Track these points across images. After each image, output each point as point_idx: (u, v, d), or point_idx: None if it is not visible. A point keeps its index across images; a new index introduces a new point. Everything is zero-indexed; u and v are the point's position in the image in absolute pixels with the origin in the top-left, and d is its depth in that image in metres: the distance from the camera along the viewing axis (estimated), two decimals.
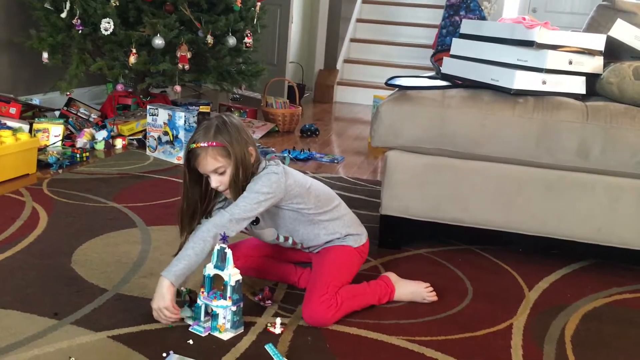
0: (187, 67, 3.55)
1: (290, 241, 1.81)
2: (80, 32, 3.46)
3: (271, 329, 1.62)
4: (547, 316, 1.81)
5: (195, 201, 1.72)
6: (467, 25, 2.38)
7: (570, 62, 2.08)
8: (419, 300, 1.84)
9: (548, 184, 2.08)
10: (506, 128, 2.05)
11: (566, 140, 2.02)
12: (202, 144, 1.61)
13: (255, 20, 4.02)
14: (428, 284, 1.86)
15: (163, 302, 1.56)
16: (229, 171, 1.63)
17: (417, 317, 1.76)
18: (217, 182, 1.65)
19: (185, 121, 3.20)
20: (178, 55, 3.52)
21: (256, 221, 1.74)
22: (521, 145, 2.05)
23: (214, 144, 1.61)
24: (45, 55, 3.58)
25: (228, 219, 1.61)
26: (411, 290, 1.84)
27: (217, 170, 1.63)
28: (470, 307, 1.85)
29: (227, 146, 1.61)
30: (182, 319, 1.61)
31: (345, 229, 1.81)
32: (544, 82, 2.06)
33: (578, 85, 2.11)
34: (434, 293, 1.85)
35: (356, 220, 1.88)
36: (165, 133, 3.27)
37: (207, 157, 1.61)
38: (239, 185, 1.64)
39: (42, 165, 2.95)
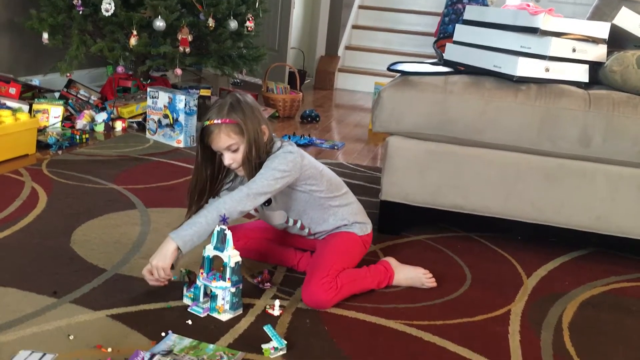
0: (187, 50, 3.53)
1: (298, 225, 1.82)
2: (80, 12, 3.44)
3: (270, 311, 1.62)
4: (545, 303, 1.82)
5: (205, 179, 1.74)
6: (471, 12, 2.36)
7: (574, 50, 2.06)
8: (417, 285, 1.84)
9: (548, 171, 2.08)
10: (508, 115, 2.05)
11: (568, 128, 2.01)
12: (215, 121, 1.63)
13: (257, 4, 3.99)
14: (427, 271, 1.86)
15: (163, 262, 1.57)
16: (242, 149, 1.65)
17: (415, 301, 1.76)
18: (230, 159, 1.66)
19: (185, 104, 3.18)
20: (179, 38, 3.50)
21: (268, 202, 1.75)
22: (522, 132, 2.05)
23: (228, 121, 1.63)
24: (45, 35, 3.55)
25: (246, 194, 1.62)
26: (410, 275, 1.84)
27: (230, 147, 1.65)
28: (468, 293, 1.85)
29: (241, 123, 1.63)
30: (168, 282, 1.62)
31: (352, 216, 1.83)
32: (547, 70, 2.05)
33: (581, 73, 2.10)
34: (433, 279, 1.86)
35: (363, 210, 1.90)
36: (166, 116, 3.26)
37: (220, 134, 1.63)
38: (252, 163, 1.66)
39: (42, 146, 2.94)
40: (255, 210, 1.76)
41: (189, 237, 1.58)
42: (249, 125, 1.64)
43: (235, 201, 1.62)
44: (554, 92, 2.04)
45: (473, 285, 1.90)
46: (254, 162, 1.66)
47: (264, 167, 1.66)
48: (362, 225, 1.85)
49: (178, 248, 1.58)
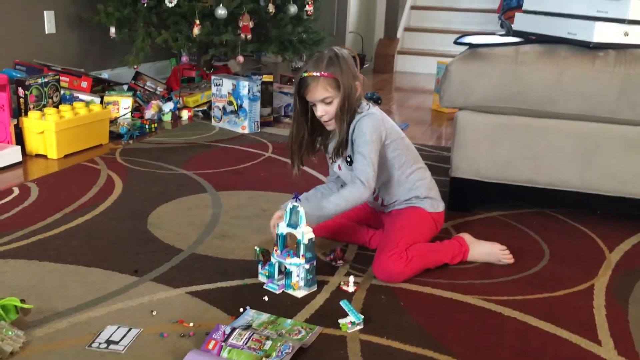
0: (249, 37, 3.56)
1: (374, 193, 1.82)
2: (145, 5, 3.53)
3: (344, 288, 1.62)
4: (631, 278, 1.74)
5: (304, 131, 1.76)
6: None
7: None
8: (493, 261, 1.80)
9: (629, 141, 1.98)
10: (584, 83, 1.96)
11: None
12: (314, 73, 1.65)
13: None
14: (504, 247, 1.81)
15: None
16: (336, 102, 1.68)
17: (492, 277, 1.72)
18: (323, 111, 1.69)
19: (249, 90, 3.22)
20: (240, 25, 3.54)
21: (351, 161, 1.75)
22: (600, 100, 1.96)
23: (326, 74, 1.65)
24: (112, 30, 3.67)
25: (362, 185, 1.66)
26: (486, 251, 1.80)
27: (324, 100, 1.67)
28: (547, 268, 1.79)
29: (338, 78, 1.65)
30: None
31: (426, 191, 1.81)
32: (626, 34, 1.95)
33: None
34: (510, 255, 1.80)
35: (437, 188, 1.88)
36: (230, 103, 3.30)
37: (317, 86, 1.65)
38: (344, 117, 1.69)
39: (114, 136, 3.04)
40: (339, 167, 1.80)
41: (315, 217, 1.64)
42: (345, 80, 1.66)
43: (358, 200, 1.68)
44: (634, 57, 1.93)
45: (552, 261, 1.84)
46: (346, 118, 1.69)
47: (357, 145, 1.69)
48: (433, 201, 1.82)
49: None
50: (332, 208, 1.67)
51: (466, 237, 1.82)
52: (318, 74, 1.65)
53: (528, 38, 2.18)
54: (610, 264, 1.82)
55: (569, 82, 1.97)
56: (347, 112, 1.68)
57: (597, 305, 1.58)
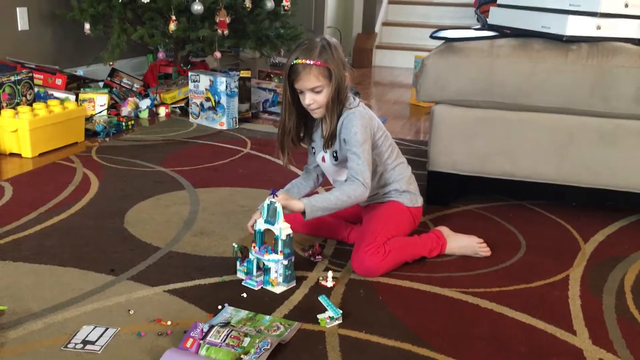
0: (226, 32, 3.54)
1: None
2: (120, 1, 3.48)
3: (323, 283, 1.62)
4: (604, 268, 1.77)
5: (294, 120, 1.72)
6: None
7: (627, 5, 1.98)
8: (471, 254, 1.81)
9: (602, 133, 2.01)
10: (558, 76, 1.98)
11: (622, 87, 1.93)
12: (306, 61, 1.61)
13: None
14: (481, 240, 1.82)
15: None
16: (325, 91, 1.64)
17: (469, 269, 1.73)
18: (311, 99, 1.65)
19: (226, 86, 3.20)
20: (217, 21, 3.51)
21: (337, 157, 1.74)
22: (574, 93, 1.98)
23: (319, 63, 1.61)
24: (87, 26, 3.62)
25: (362, 185, 1.65)
26: (464, 244, 1.81)
27: (314, 88, 1.64)
28: (523, 259, 1.81)
29: (330, 67, 1.62)
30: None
31: (406, 185, 1.82)
32: (598, 27, 1.97)
33: (635, 29, 2.01)
34: (487, 248, 1.82)
35: (416, 183, 1.88)
36: (207, 99, 3.28)
37: (309, 75, 1.61)
38: (335, 108, 1.66)
39: (90, 134, 3.01)
40: (323, 159, 1.77)
41: (318, 206, 1.62)
42: (336, 70, 1.62)
43: (359, 197, 1.66)
44: (606, 50, 1.96)
45: (528, 252, 1.86)
46: (337, 109, 1.66)
47: (349, 144, 1.66)
48: (412, 195, 1.83)
49: (304, 211, 1.61)
50: (334, 201, 1.65)
51: (444, 230, 1.83)
52: (310, 62, 1.60)
53: (503, 32, 2.20)
54: (585, 255, 1.85)
55: (543, 75, 1.99)
56: (338, 103, 1.66)
57: (572, 295, 1.60)
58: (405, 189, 1.81)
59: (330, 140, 1.70)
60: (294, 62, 1.62)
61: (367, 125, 1.68)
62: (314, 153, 1.83)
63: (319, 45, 1.62)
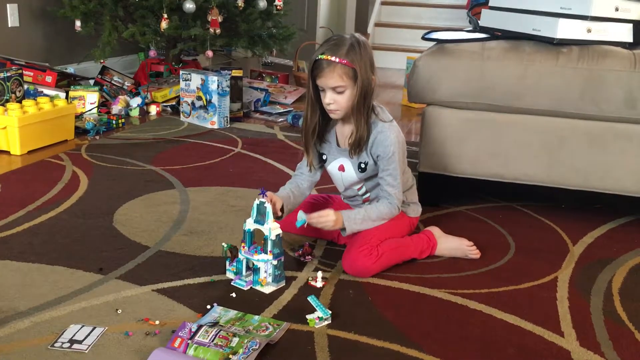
0: (218, 31, 3.53)
1: (364, 195, 1.80)
2: None
3: (313, 283, 1.62)
4: (592, 269, 1.78)
5: (318, 116, 1.67)
6: None
7: (617, 9, 1.99)
8: (460, 256, 1.81)
9: (592, 136, 2.02)
10: (549, 79, 1.99)
11: (612, 90, 1.94)
12: (332, 58, 1.53)
13: None
14: (471, 242, 1.82)
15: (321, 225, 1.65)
16: (348, 93, 1.57)
17: (459, 271, 1.74)
18: (331, 99, 1.58)
19: (218, 85, 3.19)
20: (209, 20, 3.50)
21: (364, 169, 1.72)
22: (564, 96, 1.99)
23: (345, 62, 1.53)
24: (78, 23, 3.60)
25: (397, 209, 1.69)
26: (454, 246, 1.82)
27: (336, 88, 1.57)
28: (513, 261, 1.82)
29: (357, 69, 1.54)
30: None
31: (411, 196, 1.82)
32: (588, 31, 1.98)
33: (625, 33, 2.03)
34: (477, 251, 1.82)
35: (416, 192, 1.88)
36: (199, 98, 3.27)
37: (333, 72, 1.54)
38: (361, 112, 1.59)
39: (80, 131, 2.99)
40: (342, 168, 1.74)
41: (354, 217, 1.64)
42: (362, 71, 1.54)
43: (391, 214, 1.70)
44: (596, 53, 1.97)
45: (517, 254, 1.87)
46: (363, 113, 1.59)
47: (382, 161, 1.65)
48: (415, 206, 1.85)
49: (343, 221, 1.64)
50: (371, 225, 1.68)
51: (435, 231, 1.84)
52: (336, 59, 1.52)
53: (494, 34, 2.21)
54: (573, 257, 1.86)
55: (534, 77, 2.00)
56: (365, 108, 1.58)
57: (560, 297, 1.61)
58: (411, 200, 1.82)
59: (357, 147, 1.63)
60: (319, 57, 1.55)
61: (403, 142, 1.64)
62: (324, 158, 1.76)
63: (348, 43, 1.54)
